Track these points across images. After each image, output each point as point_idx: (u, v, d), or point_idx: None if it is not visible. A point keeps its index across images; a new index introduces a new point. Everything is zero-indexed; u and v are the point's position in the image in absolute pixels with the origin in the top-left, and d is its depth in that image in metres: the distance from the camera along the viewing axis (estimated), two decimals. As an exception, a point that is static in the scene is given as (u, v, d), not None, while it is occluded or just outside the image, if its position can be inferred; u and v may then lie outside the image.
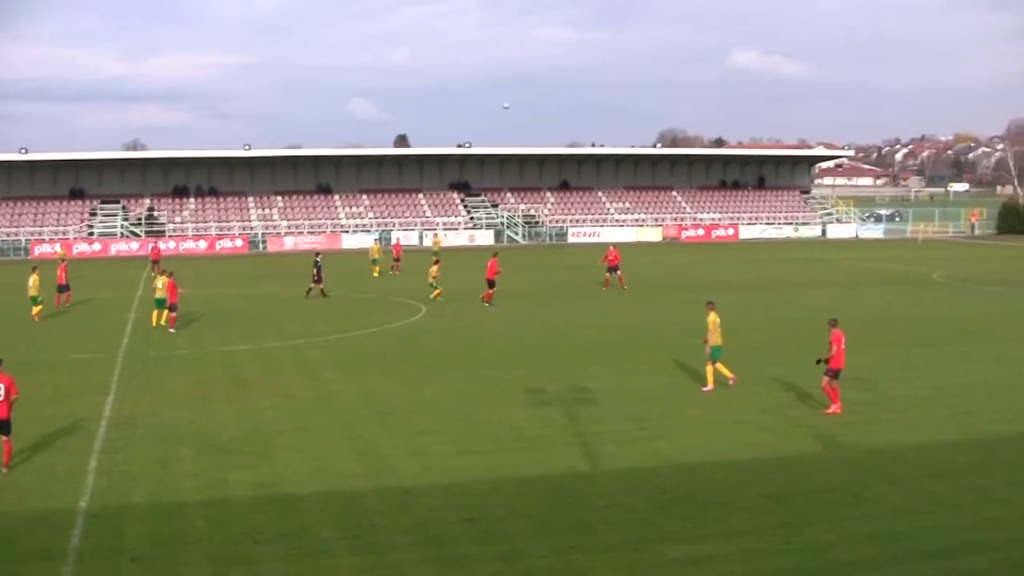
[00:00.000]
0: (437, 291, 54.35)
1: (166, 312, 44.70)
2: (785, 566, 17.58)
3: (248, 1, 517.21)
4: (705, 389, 31.56)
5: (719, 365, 31.95)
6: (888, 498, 21.23)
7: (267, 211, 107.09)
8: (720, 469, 23.38)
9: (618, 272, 60.70)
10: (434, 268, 55.38)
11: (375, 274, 68.83)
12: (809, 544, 18.55)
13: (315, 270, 56.31)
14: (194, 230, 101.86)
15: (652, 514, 20.23)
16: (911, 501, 21.02)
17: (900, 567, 17.45)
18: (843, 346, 28.29)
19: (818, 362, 28.70)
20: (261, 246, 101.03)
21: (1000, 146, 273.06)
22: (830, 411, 28.24)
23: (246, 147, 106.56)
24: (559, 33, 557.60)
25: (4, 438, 23.21)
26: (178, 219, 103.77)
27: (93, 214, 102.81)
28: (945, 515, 20.17)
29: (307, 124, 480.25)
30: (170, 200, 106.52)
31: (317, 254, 59.33)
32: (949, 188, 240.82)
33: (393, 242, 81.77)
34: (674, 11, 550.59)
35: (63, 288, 52.85)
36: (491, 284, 52.82)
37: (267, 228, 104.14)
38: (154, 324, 44.87)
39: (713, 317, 32.20)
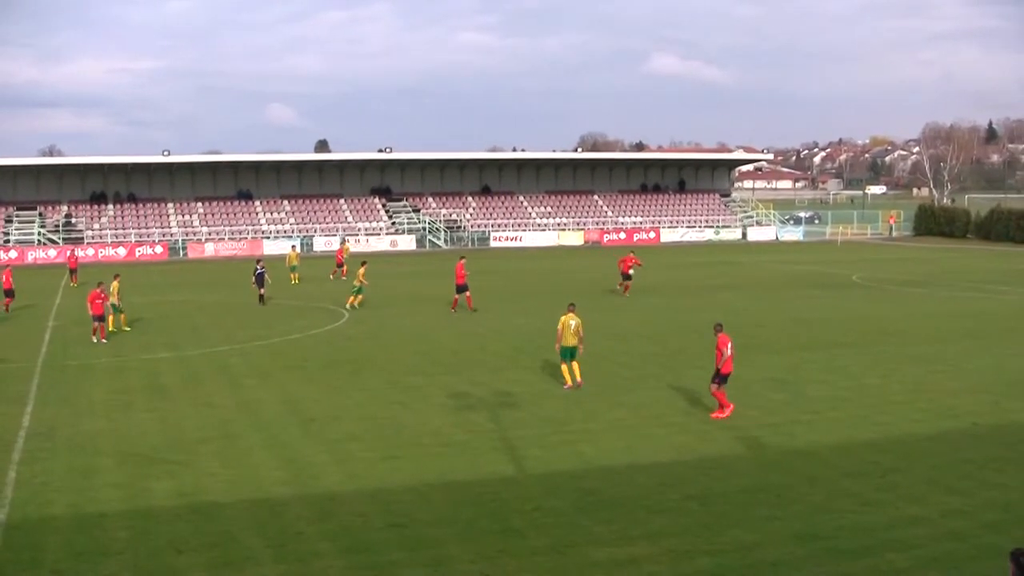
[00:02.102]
0: (360, 296, 53.70)
1: (123, 315, 45.97)
2: (710, 567, 17.66)
3: (162, 6, 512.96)
4: (565, 387, 32.49)
5: (574, 365, 32.67)
6: (810, 498, 21.43)
7: (187, 217, 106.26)
8: (643, 471, 23.48)
9: (628, 280, 59.01)
10: (361, 270, 54.46)
11: (294, 281, 67.88)
12: (733, 544, 18.68)
13: (256, 277, 56.39)
14: (113, 237, 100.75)
15: (577, 517, 20.28)
16: (832, 500, 21.23)
17: (823, 566, 17.61)
18: (731, 351, 28.27)
19: (718, 371, 28.52)
20: (181, 253, 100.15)
21: (916, 149, 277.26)
22: (715, 415, 28.28)
23: (165, 153, 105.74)
24: (478, 39, 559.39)
25: None
26: (96, 226, 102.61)
27: (9, 221, 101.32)
28: (866, 514, 20.39)
29: (226, 130, 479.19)
30: (88, 207, 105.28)
31: (258, 261, 59.45)
32: (867, 191, 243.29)
33: (337, 247, 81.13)
34: (592, 16, 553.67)
35: (8, 293, 53.17)
36: (461, 289, 51.99)
37: (187, 235, 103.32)
38: (111, 328, 44.76)
39: (566, 319, 32.80)
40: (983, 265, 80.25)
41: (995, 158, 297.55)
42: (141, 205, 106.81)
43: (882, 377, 34.23)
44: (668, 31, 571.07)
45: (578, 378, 32.40)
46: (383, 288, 60.75)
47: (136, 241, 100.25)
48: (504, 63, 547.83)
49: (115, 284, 46.41)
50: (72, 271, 70.42)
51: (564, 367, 32.65)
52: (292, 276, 68.67)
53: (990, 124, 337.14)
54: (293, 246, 79.68)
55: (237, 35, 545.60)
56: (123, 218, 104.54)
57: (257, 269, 57.01)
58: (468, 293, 52.04)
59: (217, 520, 20.32)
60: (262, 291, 56.11)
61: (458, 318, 49.52)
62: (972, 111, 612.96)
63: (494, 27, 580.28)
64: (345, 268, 71.80)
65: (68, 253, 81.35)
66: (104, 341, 42.22)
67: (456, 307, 51.59)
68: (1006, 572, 17.34)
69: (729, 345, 28.24)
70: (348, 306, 53.05)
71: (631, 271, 58.81)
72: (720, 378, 28.22)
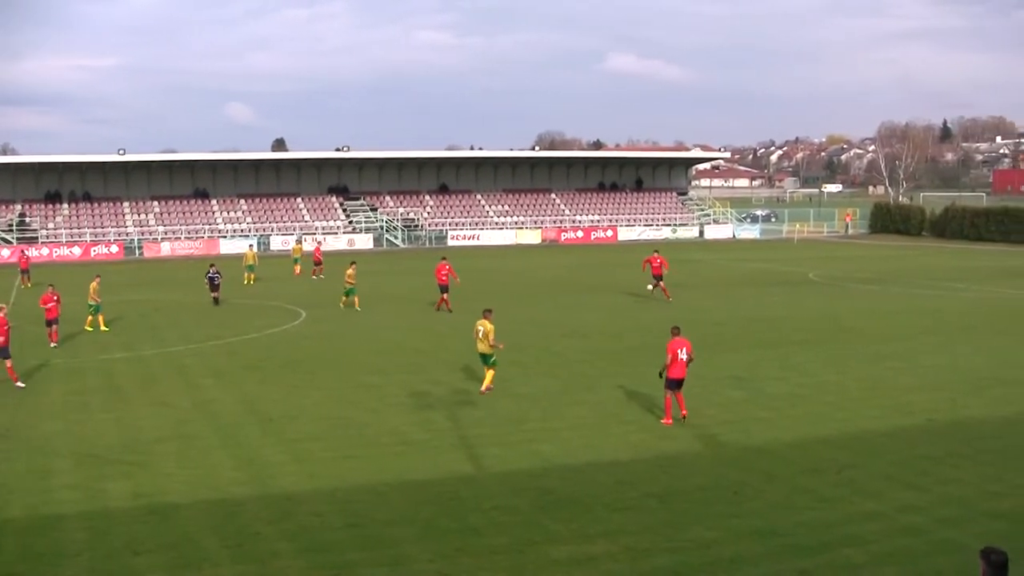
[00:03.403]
0: (352, 297, 52.74)
1: (101, 315, 46.15)
2: (669, 564, 17.70)
3: (119, 4, 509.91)
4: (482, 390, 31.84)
5: (489, 372, 31.93)
6: (768, 494, 21.53)
7: (143, 216, 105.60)
8: (602, 469, 23.51)
9: (661, 283, 54.96)
10: (351, 271, 53.46)
11: (247, 282, 67.11)
12: (692, 542, 18.73)
13: (208, 280, 55.69)
14: (68, 236, 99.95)
15: (536, 516, 20.29)
16: (790, 497, 21.34)
17: (781, 562, 17.69)
18: (684, 356, 27.21)
19: (660, 375, 27.81)
20: (137, 252, 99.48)
21: (872, 148, 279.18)
22: (669, 422, 27.46)
23: (121, 152, 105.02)
24: (436, 37, 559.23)
25: None
26: (51, 225, 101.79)
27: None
28: (823, 510, 20.51)
29: (182, 129, 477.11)
30: (42, 206, 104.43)
31: (211, 265, 58.44)
32: (823, 189, 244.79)
33: (313, 246, 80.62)
34: (551, 15, 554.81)
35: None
36: (444, 289, 51.24)
37: (143, 234, 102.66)
38: (89, 328, 45.35)
39: (476, 325, 32.01)
40: (938, 263, 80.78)
41: (950, 157, 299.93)
42: (96, 204, 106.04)
43: (839, 374, 34.40)
44: (626, 30, 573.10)
45: (483, 385, 31.86)
46: (339, 287, 60.52)
47: (91, 240, 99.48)
48: (462, 62, 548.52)
49: (94, 284, 46.33)
50: (24, 272, 69.85)
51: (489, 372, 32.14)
52: (248, 276, 67.81)
53: (945, 123, 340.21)
54: (251, 245, 79.03)
55: (196, 33, 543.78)
56: (78, 217, 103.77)
57: (209, 272, 56.27)
58: (447, 295, 51.23)
59: (174, 521, 20.21)
60: (215, 294, 55.55)
61: (415, 317, 49.44)
62: (927, 110, 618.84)
63: (452, 25, 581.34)
64: (322, 267, 71.62)
65: (20, 254, 79.70)
66: (55, 345, 41.43)
67: (440, 307, 51.18)
68: (962, 567, 17.52)
69: (683, 350, 27.28)
70: (343, 307, 52.50)
71: (662, 272, 55.03)
72: (668, 383, 27.45)
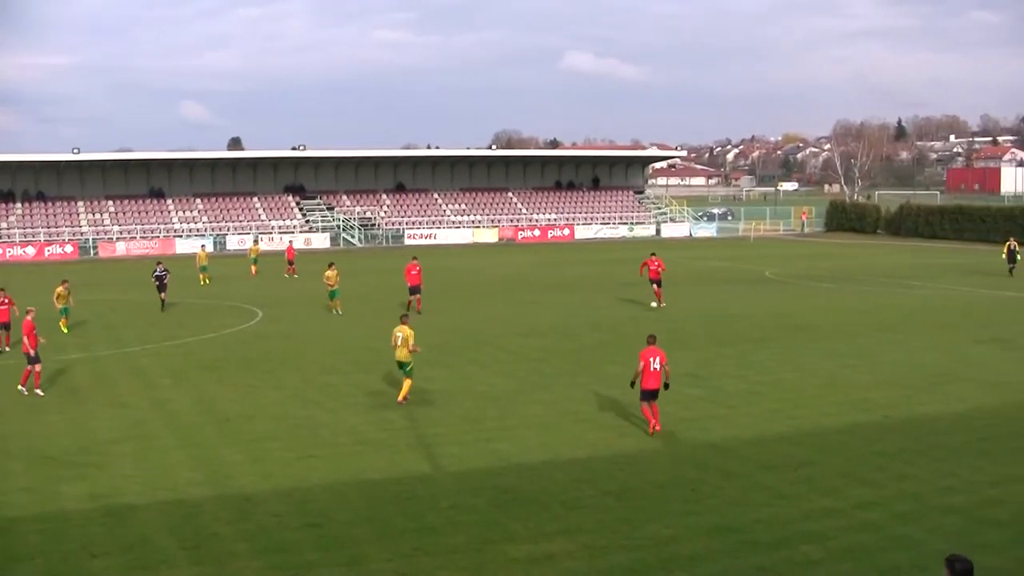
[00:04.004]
0: (337, 300, 50.66)
1: (64, 319, 45.27)
2: (627, 562, 17.74)
3: (71, 2, 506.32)
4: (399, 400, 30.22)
5: (407, 381, 30.26)
6: (725, 491, 21.62)
7: (98, 216, 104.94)
8: (560, 468, 23.54)
9: (660, 286, 51.69)
10: (329, 272, 51.23)
11: (203, 282, 66.38)
12: (650, 539, 18.79)
13: (156, 280, 53.28)
14: (21, 236, 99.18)
15: (494, 514, 20.31)
16: (747, 494, 21.43)
17: (739, 559, 17.76)
18: (657, 366, 25.93)
19: (632, 385, 26.69)
20: (92, 252, 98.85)
21: (827, 146, 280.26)
22: (651, 431, 26.31)
23: (75, 151, 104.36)
24: (393, 36, 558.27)
25: None
26: (4, 225, 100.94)
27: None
28: (780, 507, 20.61)
29: (137, 128, 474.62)
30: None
31: (158, 263, 56.14)
32: (779, 187, 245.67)
33: (286, 245, 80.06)
34: (508, 14, 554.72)
35: None
36: (414, 290, 50.25)
37: (98, 233, 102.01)
38: (64, 330, 44.76)
39: (395, 330, 30.37)
40: (893, 260, 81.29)
41: (904, 155, 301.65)
42: (50, 204, 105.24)
43: (796, 371, 34.60)
44: (583, 28, 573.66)
45: (400, 395, 30.28)
46: (296, 286, 60.49)
47: (45, 240, 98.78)
48: (420, 60, 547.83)
49: (60, 289, 45.54)
50: None
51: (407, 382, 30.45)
52: (202, 276, 67.10)
53: (899, 122, 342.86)
54: (203, 246, 77.85)
55: (150, 31, 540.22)
56: (32, 217, 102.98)
57: (156, 271, 53.97)
58: (419, 296, 50.32)
59: (131, 523, 20.10)
60: (163, 296, 53.21)
61: (372, 316, 49.33)
62: (882, 109, 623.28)
63: (410, 24, 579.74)
64: (294, 267, 71.17)
65: None
66: (7, 349, 40.15)
67: (419, 309, 49.71)
68: (917, 562, 17.66)
69: (656, 359, 25.98)
70: (335, 311, 50.19)
71: (659, 276, 51.44)
72: (641, 394, 26.32)
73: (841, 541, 18.59)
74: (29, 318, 32.88)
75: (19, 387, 32.04)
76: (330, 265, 52.05)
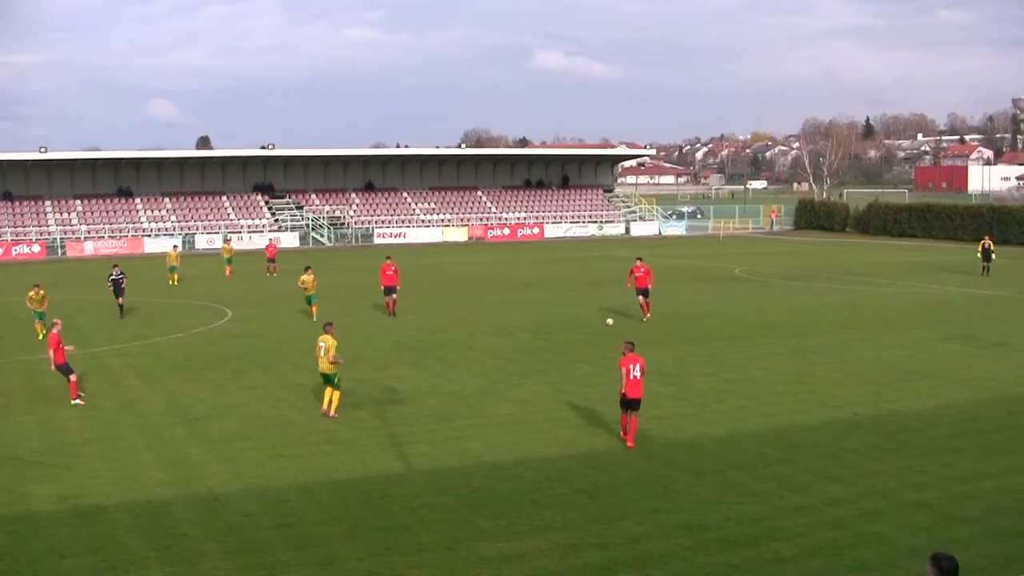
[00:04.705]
0: (313, 306, 48.30)
1: (39, 324, 43.41)
2: (599, 559, 17.77)
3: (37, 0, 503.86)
4: (323, 411, 28.80)
5: (335, 393, 28.75)
6: (696, 489, 21.69)
7: (65, 215, 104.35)
8: (531, 466, 23.57)
9: (647, 297, 46.68)
10: (304, 276, 48.94)
11: (172, 282, 65.52)
12: (622, 537, 18.83)
13: (112, 284, 50.92)
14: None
15: (465, 513, 20.31)
16: (718, 492, 21.50)
17: (710, 556, 17.82)
18: (637, 374, 24.97)
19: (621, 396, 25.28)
20: (60, 252, 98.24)
21: (796, 145, 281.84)
22: (626, 441, 25.27)
23: (42, 149, 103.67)
24: (363, 34, 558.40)
25: None
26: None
27: None
28: (751, 504, 20.68)
29: (105, 126, 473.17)
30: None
31: (114, 265, 53.49)
32: (748, 186, 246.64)
33: (266, 243, 79.50)
34: (476, 12, 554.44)
35: None
36: (389, 291, 49.03)
37: (66, 233, 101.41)
38: (40, 336, 42.46)
39: (328, 340, 28.84)
40: (862, 258, 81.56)
41: (872, 153, 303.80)
42: (17, 203, 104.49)
43: (765, 369, 34.72)
44: (553, 27, 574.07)
45: (332, 409, 28.69)
46: (266, 285, 60.33)
47: (12, 240, 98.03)
48: (389, 59, 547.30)
49: (31, 293, 44.34)
50: None
51: (328, 392, 28.97)
52: (171, 276, 66.21)
53: (867, 120, 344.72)
54: (175, 246, 77.24)
55: (119, 29, 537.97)
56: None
57: (112, 275, 51.40)
58: (395, 296, 49.16)
59: (100, 523, 20.03)
60: (120, 300, 50.54)
61: (341, 315, 49.24)
62: (850, 107, 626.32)
63: (380, 22, 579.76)
64: (275, 264, 70.88)
65: None
66: None
67: (392, 310, 48.90)
68: (887, 558, 17.73)
69: (635, 366, 25.02)
70: (315, 318, 46.48)
71: (647, 285, 46.60)
72: (621, 401, 25.37)
73: (811, 538, 18.68)
74: (55, 331, 31.73)
75: (72, 401, 30.58)
76: (306, 269, 49.84)
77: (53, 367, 31.24)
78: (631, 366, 25.05)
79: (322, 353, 28.57)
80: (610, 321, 41.69)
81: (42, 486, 22.57)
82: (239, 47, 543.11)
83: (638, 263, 47.07)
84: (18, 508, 21.11)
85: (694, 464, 23.59)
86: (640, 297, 46.42)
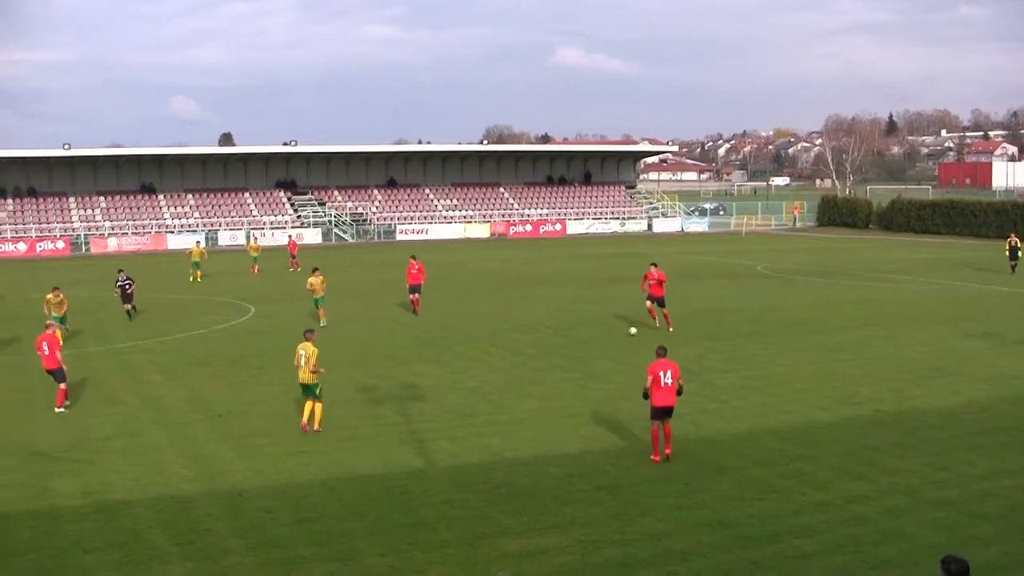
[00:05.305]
0: (321, 309, 46.50)
1: (65, 328, 40.72)
2: (620, 556, 17.77)
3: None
4: (303, 426, 26.75)
5: (312, 405, 26.76)
6: (718, 486, 21.64)
7: (89, 212, 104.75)
8: (552, 462, 23.55)
9: (663, 306, 42.96)
10: (312, 278, 47.07)
11: (192, 279, 65.64)
12: (643, 533, 18.81)
13: (119, 290, 48.83)
14: (13, 232, 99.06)
15: (487, 509, 20.32)
16: (740, 488, 21.45)
17: (731, 552, 17.79)
18: (669, 380, 23.45)
19: (644, 396, 23.87)
20: (84, 248, 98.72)
21: (819, 141, 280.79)
22: (656, 457, 23.76)
23: (66, 146, 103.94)
24: (383, 31, 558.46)
25: None
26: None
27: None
28: (773, 501, 20.64)
29: (128, 123, 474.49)
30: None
31: (120, 270, 50.55)
32: (771, 182, 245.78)
33: (287, 240, 79.59)
34: (498, 9, 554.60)
35: None
36: (414, 289, 48.46)
37: (90, 229, 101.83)
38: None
39: (298, 348, 27.28)
40: (884, 255, 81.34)
41: (895, 150, 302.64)
42: (41, 200, 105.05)
43: (786, 366, 34.64)
44: (573, 24, 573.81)
45: (316, 422, 26.68)
46: (289, 282, 60.40)
47: (37, 236, 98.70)
48: (410, 55, 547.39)
49: (49, 296, 41.98)
50: None
51: (308, 405, 26.94)
52: (194, 273, 66.27)
53: (890, 116, 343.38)
54: (197, 242, 76.97)
55: (139, 26, 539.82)
56: (23, 213, 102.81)
57: (119, 280, 49.18)
58: (418, 295, 48.54)
59: (123, 518, 20.10)
60: (128, 306, 48.78)
61: (362, 311, 49.34)
62: (873, 103, 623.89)
63: (400, 19, 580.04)
64: (297, 260, 71.11)
65: None
66: None
67: (418, 309, 48.37)
68: (909, 556, 17.70)
69: (667, 373, 23.50)
70: (320, 321, 45.09)
71: (662, 292, 42.84)
72: (652, 412, 23.76)
73: (833, 535, 18.63)
74: (51, 332, 30.82)
75: (56, 408, 29.48)
76: (314, 270, 48.02)
77: (45, 367, 30.17)
78: (662, 372, 23.49)
79: (302, 362, 26.63)
80: (633, 331, 40.54)
81: (65, 481, 22.68)
82: (258, 44, 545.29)
83: (652, 269, 42.88)
84: (41, 503, 21.21)
85: (715, 461, 23.55)
86: (652, 304, 42.77)
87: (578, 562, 17.57)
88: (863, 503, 20.38)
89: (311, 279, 47.01)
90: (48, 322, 32.40)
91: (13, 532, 19.47)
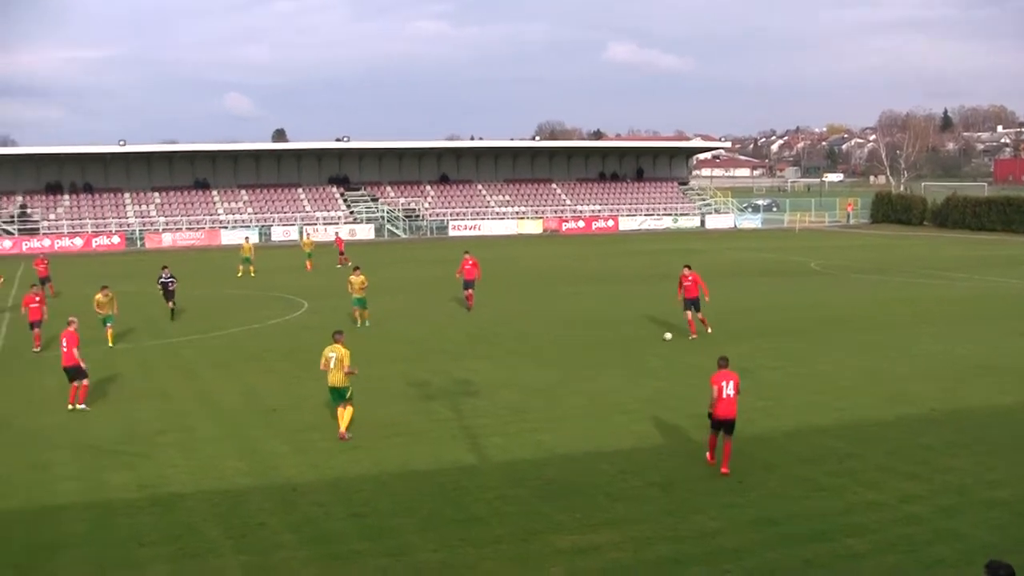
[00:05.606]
0: (365, 310, 44.63)
1: (109, 329, 40.17)
2: (672, 553, 17.77)
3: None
4: (341, 435, 25.74)
5: (347, 409, 25.89)
6: (769, 484, 21.58)
7: (144, 207, 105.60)
8: (605, 459, 23.56)
9: (698, 310, 40.45)
10: (353, 277, 45.23)
11: (240, 274, 65.77)
12: (695, 531, 18.80)
13: (161, 287, 48.18)
14: (69, 227, 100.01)
15: (539, 505, 20.36)
16: (791, 487, 21.38)
17: (783, 551, 17.75)
18: (731, 391, 22.71)
19: (709, 415, 23.13)
20: (139, 243, 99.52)
21: (873, 137, 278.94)
22: (710, 460, 23.10)
23: (121, 143, 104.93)
24: (433, 27, 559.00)
25: None
26: (52, 216, 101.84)
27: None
28: (823, 499, 20.56)
29: (182, 120, 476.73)
30: (43, 197, 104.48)
31: (164, 267, 50.11)
32: (824, 178, 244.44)
33: (333, 237, 80.00)
34: (550, 4, 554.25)
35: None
36: (468, 284, 48.45)
37: (144, 225, 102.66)
38: (110, 343, 39.69)
39: (326, 351, 26.24)
40: (938, 252, 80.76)
41: (951, 146, 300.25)
42: (97, 195, 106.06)
43: (836, 364, 34.46)
44: (626, 19, 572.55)
45: (342, 429, 25.75)
46: (341, 278, 60.59)
47: (93, 231, 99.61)
48: (461, 51, 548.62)
49: (99, 296, 40.67)
50: (43, 280, 56.07)
51: (341, 410, 25.99)
52: (246, 268, 66.31)
53: (945, 112, 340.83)
54: (246, 238, 77.21)
55: (191, 24, 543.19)
56: (79, 208, 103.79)
57: (161, 276, 48.49)
58: (472, 290, 48.46)
59: (178, 511, 20.28)
60: (171, 304, 47.73)
61: (415, 306, 49.46)
62: (928, 99, 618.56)
63: (449, 15, 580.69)
64: (346, 256, 71.45)
65: (37, 259, 62.34)
66: (38, 350, 38.57)
67: (471, 304, 48.39)
68: (963, 555, 17.59)
69: (729, 383, 22.80)
70: (361, 323, 44.16)
71: (698, 294, 40.34)
72: (713, 423, 23.00)
73: (885, 534, 18.54)
74: (72, 329, 30.52)
75: (77, 405, 29.17)
76: (355, 269, 46.39)
77: (63, 364, 29.65)
78: (724, 383, 22.75)
79: (332, 365, 25.62)
80: (668, 336, 39.03)
81: (120, 474, 22.89)
82: (308, 41, 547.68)
83: (686, 271, 40.54)
84: (96, 496, 21.43)
85: (766, 458, 23.46)
86: (689, 311, 40.12)
87: (630, 559, 17.58)
88: (916, 502, 20.28)
89: (351, 278, 45.34)
90: (70, 318, 31.75)
91: (68, 524, 19.68)
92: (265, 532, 19.06)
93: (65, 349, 29.51)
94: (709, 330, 40.22)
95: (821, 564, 17.25)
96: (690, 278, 40.05)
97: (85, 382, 29.57)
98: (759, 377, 32.18)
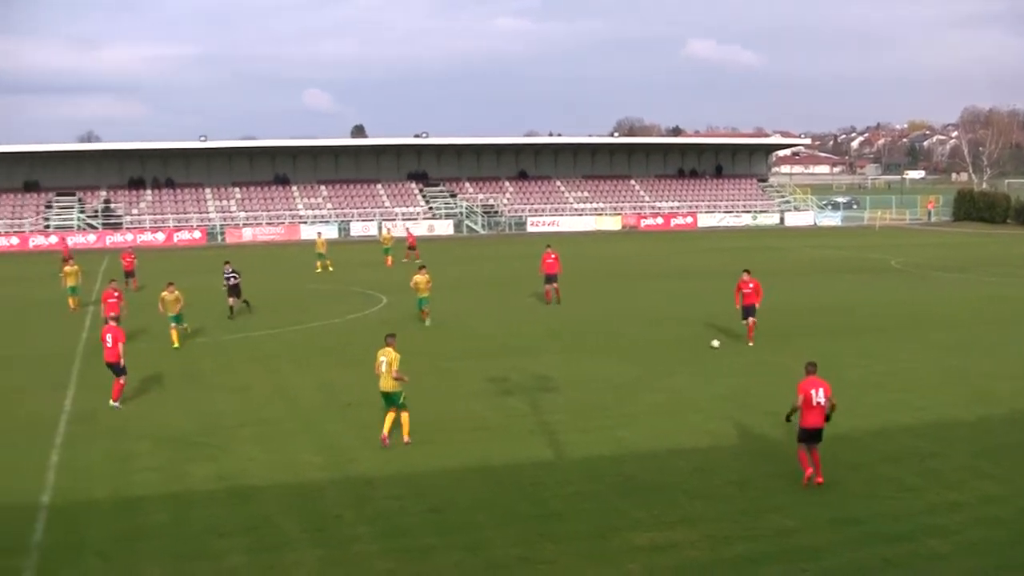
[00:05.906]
0: (426, 309, 43.77)
1: (174, 330, 39.06)
2: (749, 552, 17.63)
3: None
4: (383, 439, 24.76)
5: (394, 416, 24.93)
6: (848, 483, 21.33)
7: (224, 202, 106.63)
8: (681, 456, 23.43)
9: (753, 316, 37.93)
10: (419, 276, 44.29)
11: (319, 269, 66.30)
12: (772, 529, 18.64)
13: (226, 281, 46.84)
14: (151, 222, 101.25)
15: (617, 502, 20.27)
16: (871, 486, 21.13)
17: (863, 550, 17.55)
18: (822, 400, 21.38)
19: (787, 419, 22.34)
20: (220, 238, 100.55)
21: (955, 134, 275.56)
22: (805, 481, 21.18)
23: (202, 138, 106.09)
24: (513, 23, 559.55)
25: None
26: (135, 211, 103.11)
27: (48, 207, 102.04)
28: (905, 499, 20.30)
29: (262, 116, 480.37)
30: (126, 192, 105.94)
31: (227, 262, 49.14)
32: (905, 176, 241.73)
33: (404, 233, 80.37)
34: (629, 1, 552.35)
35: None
36: (550, 279, 48.83)
37: (225, 219, 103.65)
38: (175, 344, 38.75)
39: (379, 354, 25.38)
40: (1021, 251, 79.62)
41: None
42: (179, 190, 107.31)
43: (918, 362, 34.05)
44: (705, 16, 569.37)
45: (404, 433, 24.87)
46: (412, 273, 60.70)
47: (174, 226, 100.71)
48: (541, 48, 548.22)
49: (164, 294, 39.62)
50: (128, 274, 58.29)
51: (394, 415, 24.98)
52: (323, 263, 66.89)
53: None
54: (319, 233, 77.56)
55: (271, 21, 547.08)
56: (161, 203, 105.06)
57: (225, 272, 47.41)
58: (556, 284, 48.72)
59: (255, 504, 20.42)
60: (232, 301, 46.41)
61: (492, 303, 49.49)
62: (1011, 95, 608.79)
63: (529, 11, 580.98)
64: (418, 251, 71.51)
65: (123, 252, 64.75)
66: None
67: (550, 299, 48.62)
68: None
69: (819, 391, 21.40)
70: (424, 321, 43.21)
71: (756, 300, 38.14)
72: (800, 434, 21.58)
73: (967, 535, 18.28)
74: (115, 324, 30.37)
75: (112, 403, 28.97)
76: (421, 268, 45.63)
77: (106, 360, 29.45)
78: (814, 391, 21.34)
79: (383, 369, 24.86)
80: (716, 343, 36.90)
81: (200, 466, 23.09)
82: (388, 37, 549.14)
83: (745, 276, 38.40)
84: (177, 487, 21.63)
85: (846, 457, 23.18)
86: (748, 321, 37.89)
87: (707, 557, 17.46)
88: (998, 504, 19.96)
89: (416, 277, 44.32)
90: (111, 314, 31.19)
91: (149, 514, 19.88)
92: (341, 525, 19.12)
93: (110, 345, 29.20)
94: (751, 343, 37.32)
95: (901, 564, 17.03)
96: (751, 285, 37.94)
97: (122, 380, 29.32)
98: (842, 375, 31.83)
